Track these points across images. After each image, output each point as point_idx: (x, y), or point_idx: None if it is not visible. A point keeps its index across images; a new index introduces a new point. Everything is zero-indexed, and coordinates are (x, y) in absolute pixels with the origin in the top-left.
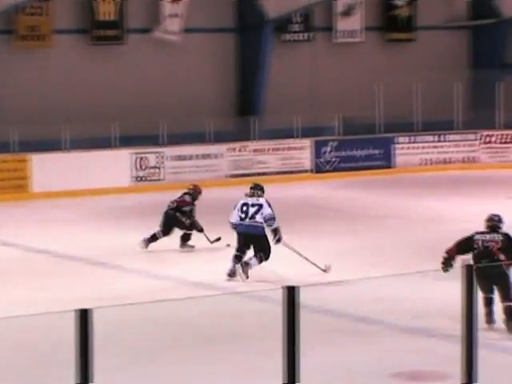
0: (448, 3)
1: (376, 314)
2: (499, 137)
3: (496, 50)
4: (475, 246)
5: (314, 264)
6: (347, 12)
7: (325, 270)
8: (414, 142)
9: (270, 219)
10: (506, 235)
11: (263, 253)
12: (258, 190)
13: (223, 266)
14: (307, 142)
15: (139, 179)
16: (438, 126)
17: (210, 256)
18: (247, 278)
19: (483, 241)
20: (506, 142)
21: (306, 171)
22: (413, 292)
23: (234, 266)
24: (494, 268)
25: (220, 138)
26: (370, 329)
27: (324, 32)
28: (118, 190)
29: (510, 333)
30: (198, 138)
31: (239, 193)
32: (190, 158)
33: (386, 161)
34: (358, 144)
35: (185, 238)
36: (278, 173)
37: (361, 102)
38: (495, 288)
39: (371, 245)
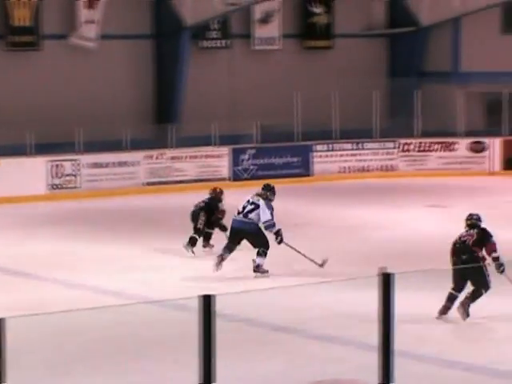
0: (366, 11)
1: (294, 322)
2: (417, 145)
3: (414, 58)
4: (456, 243)
5: (311, 260)
6: (265, 19)
7: (321, 265)
8: (332, 150)
9: (269, 226)
10: (482, 229)
11: (263, 246)
12: (266, 190)
13: (139, 275)
14: (225, 150)
15: (55, 187)
16: (356, 133)
17: (127, 265)
18: (267, 272)
19: (460, 236)
20: (423, 150)
21: (223, 179)
22: (334, 300)
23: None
24: (471, 265)
25: (137, 145)
26: (288, 338)
27: (242, 39)
28: (34, 197)
29: (462, 310)
30: (115, 146)
31: (156, 201)
32: (107, 165)
33: (304, 169)
34: (276, 152)
35: (191, 242)
36: (195, 181)
37: (279, 109)
38: (468, 284)
39: (291, 254)
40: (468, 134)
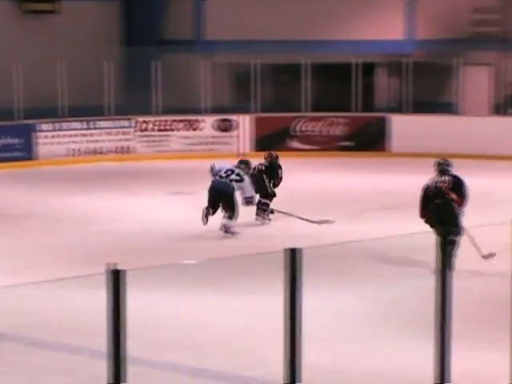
0: None
1: (15, 328)
2: (156, 123)
3: (152, 24)
4: (429, 190)
5: (307, 220)
6: None
7: (318, 222)
8: (59, 130)
9: (249, 203)
10: (454, 177)
11: (232, 212)
12: (242, 164)
13: None
14: None
15: None
16: (86, 111)
17: None
18: (237, 233)
19: (435, 182)
20: (164, 130)
21: None
22: (56, 302)
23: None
24: (446, 208)
25: None
26: (7, 347)
27: None
28: None
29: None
30: None
31: None
32: None
33: (26, 151)
34: None
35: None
36: None
37: None
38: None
39: (10, 249)
40: (214, 111)
